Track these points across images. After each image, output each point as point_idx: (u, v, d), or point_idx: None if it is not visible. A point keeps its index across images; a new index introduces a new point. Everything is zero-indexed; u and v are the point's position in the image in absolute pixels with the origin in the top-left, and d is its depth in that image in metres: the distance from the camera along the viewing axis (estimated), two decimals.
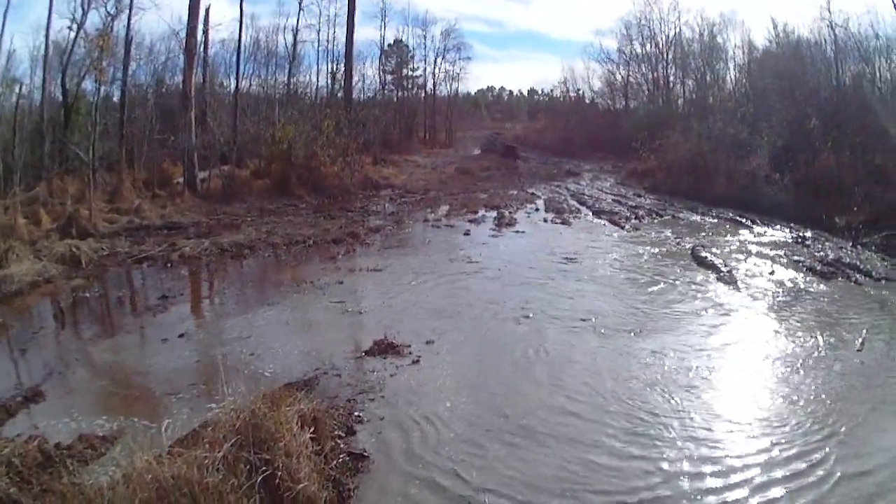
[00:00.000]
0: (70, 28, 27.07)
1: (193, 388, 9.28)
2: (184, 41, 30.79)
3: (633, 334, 12.31)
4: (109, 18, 27.55)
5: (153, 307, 13.28)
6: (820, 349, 11.89)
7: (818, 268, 17.95)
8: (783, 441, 8.34)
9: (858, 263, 18.63)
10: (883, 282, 16.99)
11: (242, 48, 38.37)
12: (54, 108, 27.67)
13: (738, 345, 12.15)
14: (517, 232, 22.97)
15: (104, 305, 13.91)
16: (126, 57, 28.32)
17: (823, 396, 9.69)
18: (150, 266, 16.68)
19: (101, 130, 25.56)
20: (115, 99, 28.91)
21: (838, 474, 7.66)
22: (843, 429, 8.69)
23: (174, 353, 10.80)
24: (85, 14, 26.99)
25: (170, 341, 11.31)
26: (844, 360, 11.36)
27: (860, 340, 12.37)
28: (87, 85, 27.65)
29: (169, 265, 16.64)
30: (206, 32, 34.80)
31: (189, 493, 5.52)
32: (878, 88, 30.86)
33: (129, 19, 28.22)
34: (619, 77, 66.55)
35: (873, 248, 20.87)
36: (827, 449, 8.22)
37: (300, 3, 44.73)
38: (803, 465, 7.81)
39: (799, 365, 11.07)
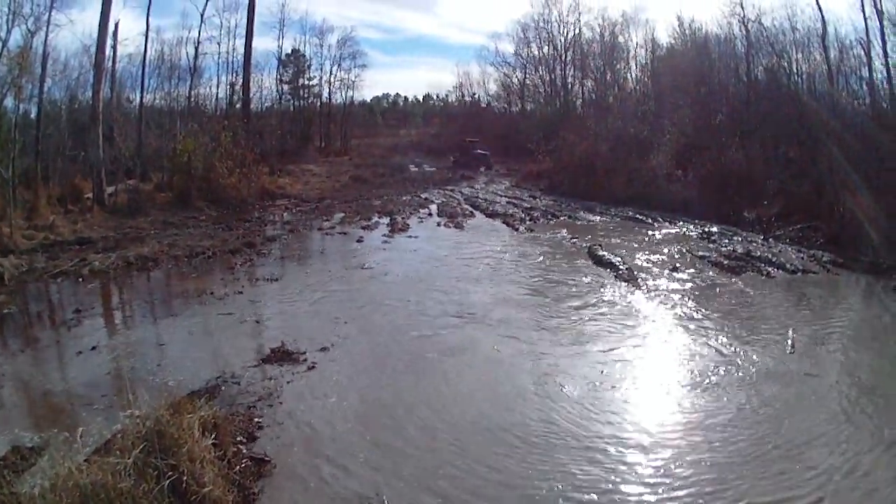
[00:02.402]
0: None
1: (105, 398, 9.50)
2: (94, 57, 30.30)
3: (522, 339, 12.23)
4: (29, 35, 27.23)
5: (68, 321, 13.46)
6: (749, 356, 11.08)
7: (726, 263, 17.72)
8: None
9: (770, 256, 18.26)
10: (799, 274, 16.69)
11: (147, 62, 37.73)
12: None
13: (645, 354, 11.49)
14: (410, 237, 23.26)
15: (26, 320, 13.99)
16: (42, 74, 27.90)
17: (799, 434, 8.40)
18: (64, 281, 16.74)
19: (20, 148, 25.04)
20: (33, 116, 28.61)
21: None
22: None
23: (88, 365, 11.01)
24: (9, 32, 26.59)
25: (84, 354, 11.50)
26: (784, 369, 10.51)
27: (789, 342, 11.68)
28: (8, 103, 27.20)
29: (81, 280, 16.76)
30: (114, 48, 34.12)
31: (106, 498, 5.73)
32: (793, 82, 30.07)
33: (45, 36, 27.87)
34: (515, 80, 66.59)
35: (787, 240, 20.52)
36: None
37: (202, 16, 44.06)
38: None
39: (733, 380, 10.17)
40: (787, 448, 8.02)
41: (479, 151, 52.21)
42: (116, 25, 33.46)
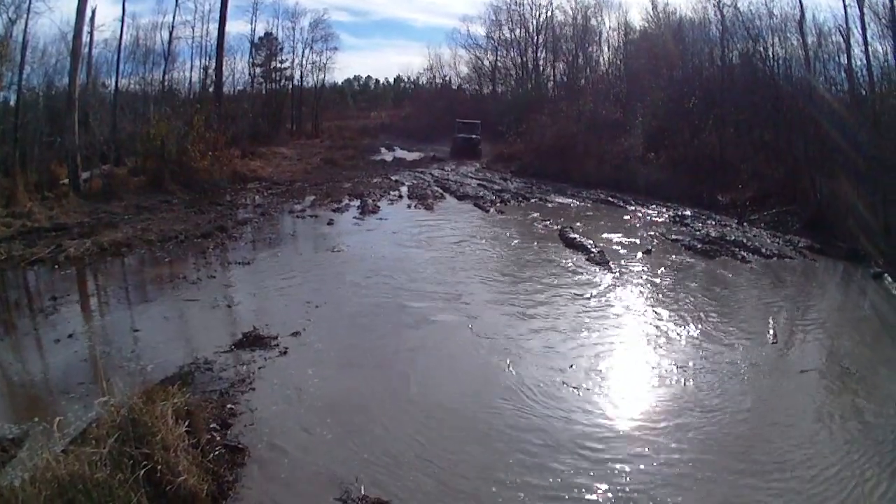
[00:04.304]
0: None
1: (83, 386, 9.37)
2: (71, 43, 29.71)
3: (490, 322, 12.18)
4: (10, 24, 26.82)
5: (45, 308, 13.35)
6: (731, 346, 10.79)
7: (700, 247, 17.54)
8: None
9: (745, 241, 18.10)
10: (775, 259, 16.50)
11: (123, 47, 37.50)
12: None
13: (616, 341, 11.26)
14: (381, 219, 23.21)
15: (4, 308, 13.83)
16: (21, 61, 27.43)
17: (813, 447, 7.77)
18: (40, 268, 16.57)
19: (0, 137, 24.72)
20: (12, 103, 28.20)
21: None
22: None
23: (65, 352, 10.93)
24: None
25: (61, 342, 11.39)
26: (768, 361, 10.19)
27: (771, 332, 11.37)
28: None
29: (56, 267, 16.58)
30: (90, 34, 33.67)
31: (83, 489, 5.61)
32: (768, 66, 29.42)
33: (25, 24, 27.44)
34: (486, 63, 65.85)
35: (762, 225, 20.43)
36: None
37: (177, 0, 43.96)
38: None
39: (716, 373, 9.79)
40: (777, 448, 7.76)
41: (474, 136, 48.62)
42: (93, 11, 33.05)
